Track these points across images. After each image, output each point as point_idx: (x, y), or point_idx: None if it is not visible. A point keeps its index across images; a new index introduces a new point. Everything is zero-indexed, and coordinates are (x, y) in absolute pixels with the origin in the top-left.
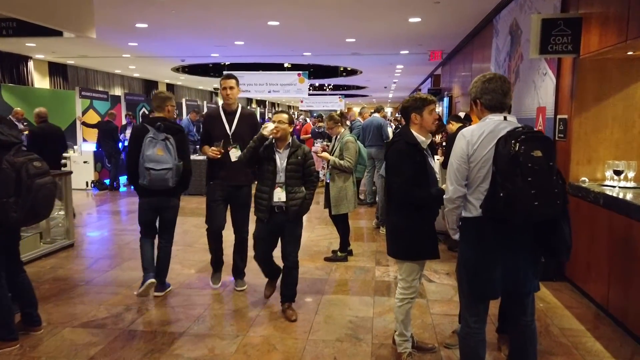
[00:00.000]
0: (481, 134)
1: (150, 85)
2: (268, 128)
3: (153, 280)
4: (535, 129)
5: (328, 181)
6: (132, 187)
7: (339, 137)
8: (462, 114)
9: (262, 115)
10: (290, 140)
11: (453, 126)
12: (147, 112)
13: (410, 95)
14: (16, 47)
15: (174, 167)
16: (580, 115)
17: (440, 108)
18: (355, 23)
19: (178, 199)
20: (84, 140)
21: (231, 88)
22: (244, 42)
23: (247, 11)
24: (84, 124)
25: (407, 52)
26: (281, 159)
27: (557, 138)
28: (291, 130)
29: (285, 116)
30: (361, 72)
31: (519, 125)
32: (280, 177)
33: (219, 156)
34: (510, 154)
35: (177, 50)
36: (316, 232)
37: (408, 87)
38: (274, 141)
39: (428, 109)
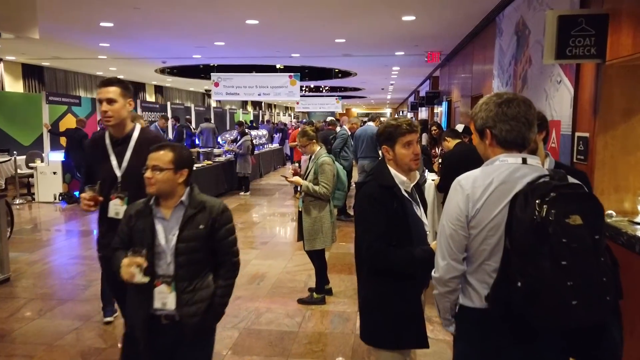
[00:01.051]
0: (488, 185)
1: (137, 87)
2: (135, 275)
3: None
4: (571, 181)
5: (301, 210)
6: None
7: (313, 157)
8: (460, 127)
9: (256, 117)
10: (184, 195)
11: (449, 143)
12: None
13: (387, 120)
14: None
15: None
16: (606, 133)
17: (440, 109)
18: (343, 22)
19: None
20: (56, 148)
21: (110, 101)
22: (224, 42)
23: (218, 9)
24: (50, 131)
25: (402, 53)
26: (167, 232)
27: (575, 160)
28: (183, 179)
29: (168, 156)
30: (356, 74)
31: (545, 171)
32: (168, 264)
33: (93, 208)
34: (533, 221)
35: (155, 51)
36: (294, 262)
37: (406, 88)
38: (151, 201)
39: (402, 142)
